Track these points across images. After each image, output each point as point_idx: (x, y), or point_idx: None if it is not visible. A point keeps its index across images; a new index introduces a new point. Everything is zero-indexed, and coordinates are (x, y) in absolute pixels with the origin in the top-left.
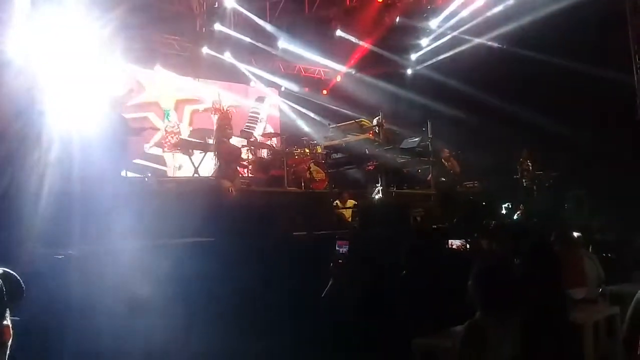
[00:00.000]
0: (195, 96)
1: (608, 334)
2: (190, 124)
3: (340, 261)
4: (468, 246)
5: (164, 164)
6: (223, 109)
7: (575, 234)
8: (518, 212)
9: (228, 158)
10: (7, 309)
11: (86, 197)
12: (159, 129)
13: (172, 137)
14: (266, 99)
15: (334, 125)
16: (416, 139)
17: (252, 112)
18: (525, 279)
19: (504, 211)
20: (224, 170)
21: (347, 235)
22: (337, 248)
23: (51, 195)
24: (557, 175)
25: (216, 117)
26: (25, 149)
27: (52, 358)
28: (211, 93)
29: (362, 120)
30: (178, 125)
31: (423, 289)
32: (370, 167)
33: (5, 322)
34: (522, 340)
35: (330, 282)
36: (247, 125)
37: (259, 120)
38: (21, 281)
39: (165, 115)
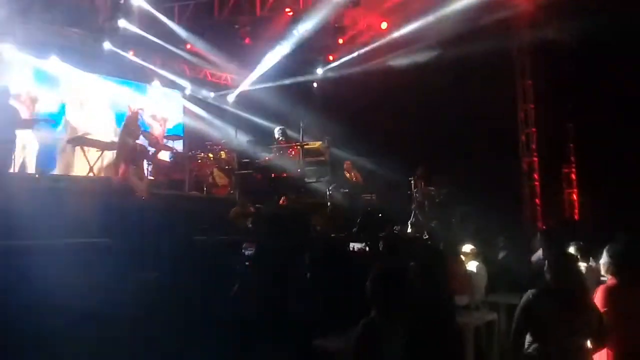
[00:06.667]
0: None
1: (487, 338)
2: None
3: (247, 263)
4: (367, 249)
5: None
6: (131, 110)
7: (470, 247)
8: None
9: (133, 156)
10: None
11: None
12: (53, 121)
13: None
14: None
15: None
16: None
17: None
18: (417, 283)
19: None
20: (129, 170)
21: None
22: (243, 250)
23: None
24: (446, 192)
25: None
26: None
27: None
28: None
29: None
30: None
31: (326, 293)
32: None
33: None
34: (410, 341)
35: (236, 286)
36: None
37: None
38: None
39: None
